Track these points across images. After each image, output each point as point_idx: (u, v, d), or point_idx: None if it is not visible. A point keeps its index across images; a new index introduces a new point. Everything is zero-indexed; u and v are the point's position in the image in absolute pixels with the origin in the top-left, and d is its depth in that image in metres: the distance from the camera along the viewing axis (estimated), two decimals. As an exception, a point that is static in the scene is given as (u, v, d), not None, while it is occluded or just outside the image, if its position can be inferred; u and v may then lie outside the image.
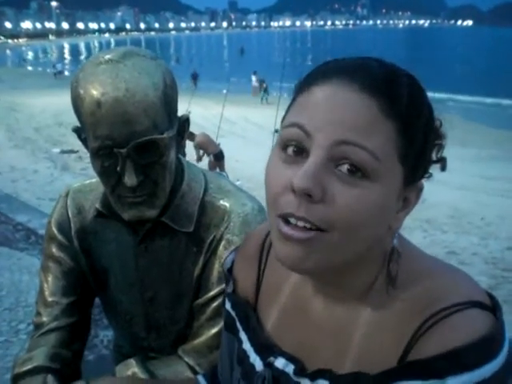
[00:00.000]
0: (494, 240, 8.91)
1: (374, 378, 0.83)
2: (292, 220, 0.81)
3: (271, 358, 0.98)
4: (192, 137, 13.42)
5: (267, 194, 0.87)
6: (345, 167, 0.80)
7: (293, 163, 0.83)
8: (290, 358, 0.96)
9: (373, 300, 0.90)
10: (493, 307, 0.83)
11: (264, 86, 31.62)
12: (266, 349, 1.01)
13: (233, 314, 1.13)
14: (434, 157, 0.91)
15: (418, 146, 0.84)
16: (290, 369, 0.95)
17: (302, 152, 0.83)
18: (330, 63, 0.89)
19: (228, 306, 1.15)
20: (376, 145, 0.79)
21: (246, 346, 1.06)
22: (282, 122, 0.89)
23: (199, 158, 13.41)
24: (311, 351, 0.96)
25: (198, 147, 13.60)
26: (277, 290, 1.06)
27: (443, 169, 0.93)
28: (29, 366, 1.45)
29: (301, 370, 0.94)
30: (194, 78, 38.88)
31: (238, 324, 1.10)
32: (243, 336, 1.07)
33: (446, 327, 0.79)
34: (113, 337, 1.89)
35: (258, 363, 1.01)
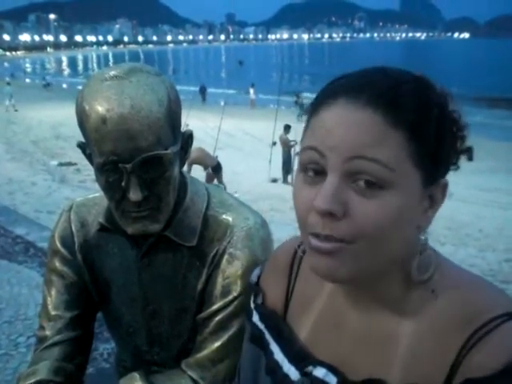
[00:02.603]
0: (491, 252, 8.92)
1: None
2: (322, 238, 0.85)
3: (309, 368, 1.00)
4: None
5: (296, 215, 0.91)
6: (361, 181, 0.83)
7: (314, 184, 0.87)
8: (330, 368, 0.97)
9: (412, 310, 0.92)
10: None
11: (301, 100, 26.89)
12: (302, 358, 1.02)
13: (261, 326, 1.14)
14: (457, 148, 0.93)
15: (432, 147, 0.86)
16: (330, 379, 0.96)
17: (321, 172, 0.86)
18: (335, 81, 0.93)
19: (256, 318, 1.16)
20: (388, 156, 0.82)
21: (279, 356, 1.07)
22: (301, 144, 0.93)
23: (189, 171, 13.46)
24: (349, 362, 0.97)
25: (191, 164, 13.62)
26: (310, 301, 1.08)
27: (470, 159, 0.95)
28: (32, 380, 1.45)
29: (344, 381, 0.95)
30: (203, 91, 38.63)
31: (267, 336, 1.11)
32: (274, 347, 1.08)
33: (494, 340, 0.81)
34: (115, 350, 1.90)
35: (292, 373, 1.02)
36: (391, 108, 0.83)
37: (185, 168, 1.53)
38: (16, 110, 31.36)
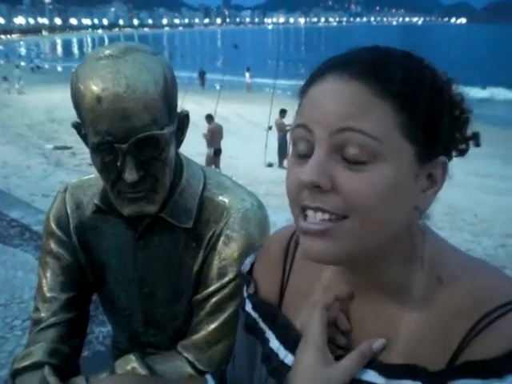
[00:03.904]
0: (487, 237, 8.96)
1: (431, 374, 0.84)
2: (310, 213, 0.85)
3: None
4: (210, 120, 13.74)
5: (288, 196, 0.90)
6: (349, 154, 0.82)
7: (304, 161, 0.86)
8: None
9: (416, 296, 0.91)
10: None
11: None
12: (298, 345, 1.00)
13: (254, 315, 1.13)
14: (461, 133, 0.92)
15: (423, 120, 0.85)
16: None
17: (311, 149, 0.85)
18: (324, 62, 0.92)
19: (248, 307, 1.16)
20: (373, 126, 0.82)
21: (274, 344, 1.06)
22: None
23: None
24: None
25: (208, 134, 14.06)
26: (307, 289, 1.07)
27: (477, 144, 0.94)
28: (28, 362, 1.45)
29: None
30: (202, 75, 38.45)
31: (261, 324, 1.11)
32: (269, 335, 1.08)
33: (502, 326, 0.80)
34: (111, 332, 1.89)
35: (289, 359, 1.01)
36: (378, 79, 0.83)
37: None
38: (21, 93, 31.48)
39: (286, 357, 1.03)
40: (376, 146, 0.81)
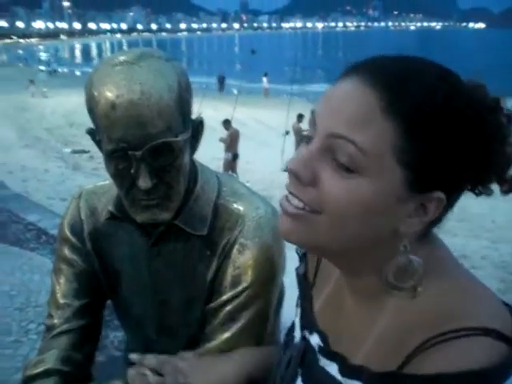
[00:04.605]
0: (504, 244, 8.87)
1: (373, 376, 0.85)
2: (290, 196, 0.89)
3: (306, 333, 1.08)
4: (227, 125, 13.84)
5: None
6: (338, 159, 0.83)
7: (302, 148, 0.90)
8: (322, 338, 1.03)
9: (395, 302, 0.90)
10: None
11: None
12: (308, 326, 1.09)
13: (298, 290, 1.22)
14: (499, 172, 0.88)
15: (425, 151, 0.81)
16: (318, 346, 1.03)
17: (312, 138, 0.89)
18: (353, 62, 0.91)
19: (295, 283, 1.24)
20: (367, 141, 0.80)
21: (296, 319, 1.16)
22: None
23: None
24: (337, 336, 1.00)
25: (228, 139, 14.34)
26: (328, 276, 1.12)
27: (504, 191, 0.91)
28: (40, 369, 1.45)
29: (323, 349, 1.01)
30: (221, 80, 38.66)
31: (298, 300, 1.20)
32: (298, 310, 1.17)
33: (443, 351, 0.77)
34: (124, 339, 1.89)
35: (298, 336, 1.12)
36: (390, 94, 0.80)
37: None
38: (46, 97, 31.86)
39: (297, 333, 1.12)
40: (363, 160, 0.81)
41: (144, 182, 1.28)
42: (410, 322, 0.84)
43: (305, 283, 1.19)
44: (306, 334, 1.08)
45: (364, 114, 0.81)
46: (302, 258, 1.23)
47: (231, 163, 14.59)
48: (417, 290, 0.86)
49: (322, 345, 1.02)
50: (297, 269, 1.24)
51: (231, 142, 14.75)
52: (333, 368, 0.96)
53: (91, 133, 1.38)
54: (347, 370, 0.92)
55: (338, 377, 0.93)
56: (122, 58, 1.26)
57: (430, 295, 0.85)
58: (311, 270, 1.20)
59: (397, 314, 0.88)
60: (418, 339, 0.80)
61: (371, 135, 0.80)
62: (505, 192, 0.90)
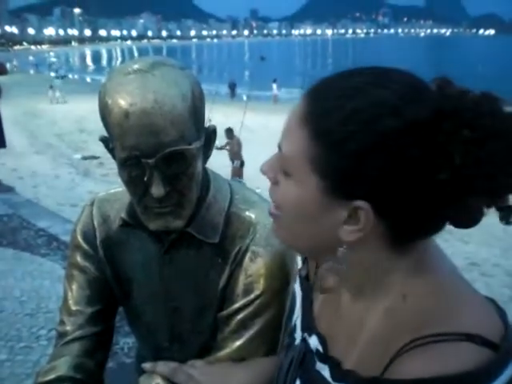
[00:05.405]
0: (516, 252, 8.80)
1: (358, 381, 0.87)
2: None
3: (306, 335, 1.09)
4: (230, 134, 13.89)
5: None
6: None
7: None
8: (321, 340, 1.03)
9: (383, 304, 0.91)
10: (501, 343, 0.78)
11: None
12: (308, 328, 1.10)
13: (299, 292, 1.23)
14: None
15: (335, 159, 0.82)
16: (316, 349, 1.04)
17: None
18: None
19: (296, 285, 1.25)
20: (288, 147, 0.89)
21: (297, 321, 1.16)
22: None
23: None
24: (334, 338, 1.01)
25: (236, 147, 14.49)
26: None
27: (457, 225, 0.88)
28: (52, 376, 1.45)
29: (320, 353, 1.02)
30: (232, 87, 38.78)
31: (298, 299, 1.21)
32: (299, 312, 1.18)
33: (421, 355, 0.78)
34: (135, 346, 1.89)
35: (298, 338, 1.12)
36: (308, 105, 0.87)
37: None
38: (64, 103, 32.09)
39: (298, 335, 1.13)
40: (287, 166, 0.90)
41: (157, 190, 1.28)
42: (396, 325, 0.86)
43: (306, 285, 1.20)
44: (306, 335, 1.09)
45: (296, 121, 0.88)
46: (304, 259, 1.24)
47: (240, 170, 14.62)
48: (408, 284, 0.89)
49: (320, 347, 1.02)
50: (299, 271, 1.25)
51: (238, 150, 14.77)
52: (326, 372, 0.97)
53: (104, 140, 1.39)
54: (338, 374, 0.94)
55: (331, 381, 0.95)
56: (135, 67, 1.27)
57: (417, 299, 0.86)
58: (311, 271, 1.20)
59: (385, 315, 0.89)
60: (401, 342, 0.81)
61: (291, 142, 0.88)
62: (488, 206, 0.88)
